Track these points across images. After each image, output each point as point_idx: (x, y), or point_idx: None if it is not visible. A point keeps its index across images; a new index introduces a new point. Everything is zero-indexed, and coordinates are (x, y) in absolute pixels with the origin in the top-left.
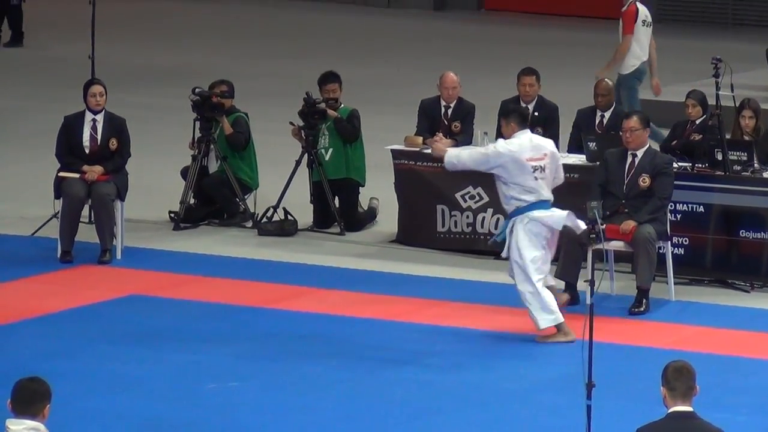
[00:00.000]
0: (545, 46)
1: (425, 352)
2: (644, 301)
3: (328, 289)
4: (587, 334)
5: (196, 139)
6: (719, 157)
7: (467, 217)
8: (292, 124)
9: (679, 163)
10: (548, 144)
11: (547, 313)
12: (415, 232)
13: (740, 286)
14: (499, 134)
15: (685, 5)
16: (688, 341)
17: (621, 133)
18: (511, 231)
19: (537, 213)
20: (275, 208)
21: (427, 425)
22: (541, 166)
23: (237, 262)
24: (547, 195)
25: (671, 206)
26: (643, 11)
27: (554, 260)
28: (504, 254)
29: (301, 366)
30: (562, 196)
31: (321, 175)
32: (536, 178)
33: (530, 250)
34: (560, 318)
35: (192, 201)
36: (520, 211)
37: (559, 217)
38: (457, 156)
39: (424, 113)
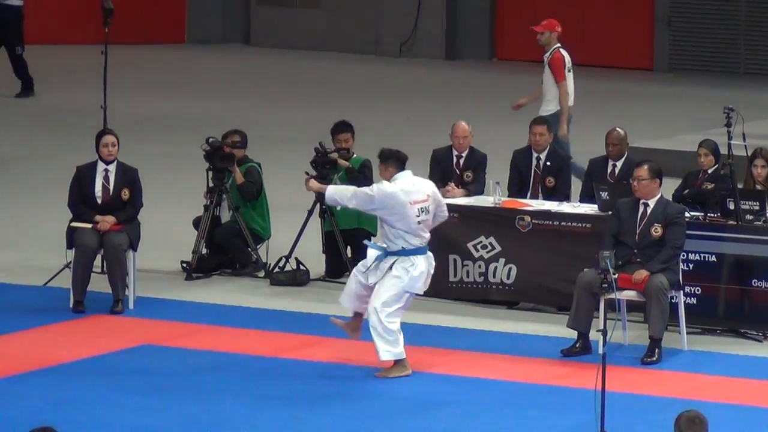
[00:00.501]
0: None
1: (438, 401)
2: (657, 350)
3: (341, 338)
4: (600, 384)
5: (208, 189)
6: (731, 206)
7: (479, 266)
8: (307, 174)
9: (692, 213)
10: (429, 186)
11: (392, 346)
12: None
13: (753, 335)
14: (512, 184)
15: (698, 54)
16: (701, 391)
17: (631, 182)
18: (390, 267)
19: (419, 267)
20: (287, 257)
21: None
22: (425, 208)
23: (249, 311)
24: (427, 237)
25: (683, 256)
26: (566, 57)
27: (566, 310)
28: (371, 281)
29: (313, 415)
30: (575, 246)
31: (333, 225)
32: (419, 222)
33: (398, 295)
34: (403, 354)
35: (204, 251)
36: (405, 252)
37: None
38: (339, 192)
39: (437, 163)
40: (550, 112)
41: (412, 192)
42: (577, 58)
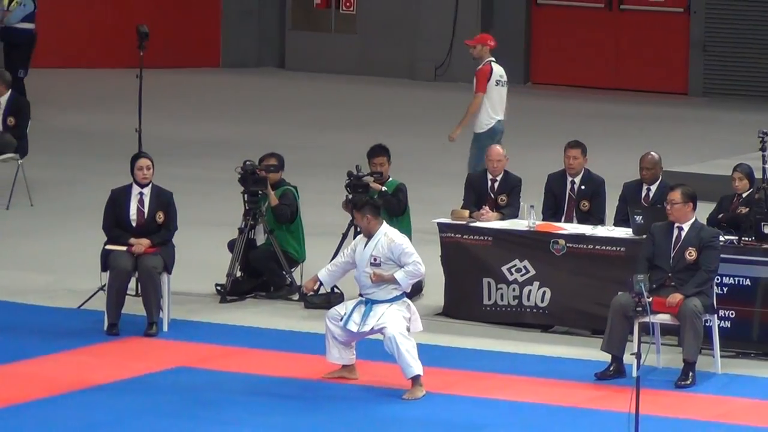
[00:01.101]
0: (591, 119)
1: (473, 424)
2: (691, 373)
3: (375, 361)
4: (634, 407)
5: (243, 212)
6: (766, 230)
7: (513, 290)
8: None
9: (726, 237)
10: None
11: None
12: (462, 304)
13: None
14: (546, 207)
15: (732, 78)
16: (735, 414)
17: (665, 206)
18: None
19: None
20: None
21: None
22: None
23: (283, 334)
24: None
25: (717, 279)
26: (498, 70)
27: (600, 333)
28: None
29: None
30: (610, 269)
31: None
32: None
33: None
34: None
35: (239, 274)
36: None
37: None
38: (407, 274)
39: (471, 186)
40: (488, 126)
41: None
42: (612, 82)
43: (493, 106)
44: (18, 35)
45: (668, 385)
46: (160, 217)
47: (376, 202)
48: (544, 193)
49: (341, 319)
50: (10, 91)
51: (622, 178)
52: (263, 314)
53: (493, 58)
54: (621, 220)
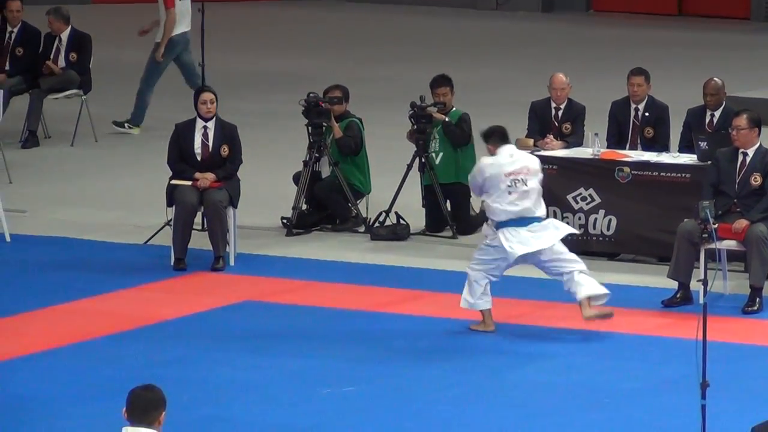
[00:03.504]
0: (654, 46)
1: (540, 353)
2: (758, 299)
3: (442, 292)
4: (701, 334)
5: (308, 145)
6: None
7: (579, 218)
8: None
9: None
10: (529, 160)
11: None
12: None
13: None
14: (610, 135)
15: None
16: None
17: (730, 131)
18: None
19: (513, 233)
20: (387, 212)
21: (543, 427)
22: (521, 179)
23: (350, 267)
24: (525, 207)
25: None
26: None
27: (667, 260)
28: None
29: (416, 370)
30: (675, 196)
31: (432, 179)
32: (510, 193)
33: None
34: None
35: (304, 207)
36: (505, 224)
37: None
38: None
39: (535, 115)
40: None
41: (504, 164)
42: (674, 8)
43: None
44: None
45: (735, 311)
46: (224, 150)
47: (498, 129)
48: (608, 120)
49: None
50: (70, 26)
51: (685, 104)
52: (329, 247)
53: None
54: (685, 147)
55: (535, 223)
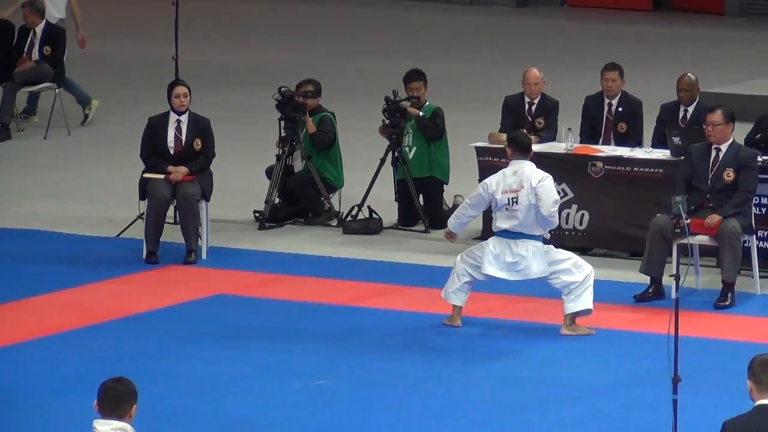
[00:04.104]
0: (628, 41)
1: (512, 348)
2: (730, 294)
3: (414, 286)
4: (673, 329)
5: (281, 139)
6: None
7: None
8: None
9: (764, 157)
10: (535, 178)
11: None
12: None
13: None
14: (583, 130)
15: None
16: None
17: (704, 127)
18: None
19: (499, 248)
20: (360, 206)
21: (515, 422)
22: (514, 198)
23: (322, 260)
24: (516, 222)
25: (756, 200)
26: None
27: (639, 255)
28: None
29: (388, 364)
30: (648, 191)
31: (405, 173)
32: (507, 209)
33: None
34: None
35: (277, 200)
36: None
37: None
38: (458, 214)
39: (508, 110)
40: (57, 19)
41: (501, 182)
42: (649, 4)
43: (55, 5)
44: None
45: (707, 306)
46: (197, 144)
47: (521, 141)
48: (581, 115)
49: None
50: (45, 20)
51: (659, 99)
52: (302, 241)
53: None
54: (658, 142)
55: (529, 246)
